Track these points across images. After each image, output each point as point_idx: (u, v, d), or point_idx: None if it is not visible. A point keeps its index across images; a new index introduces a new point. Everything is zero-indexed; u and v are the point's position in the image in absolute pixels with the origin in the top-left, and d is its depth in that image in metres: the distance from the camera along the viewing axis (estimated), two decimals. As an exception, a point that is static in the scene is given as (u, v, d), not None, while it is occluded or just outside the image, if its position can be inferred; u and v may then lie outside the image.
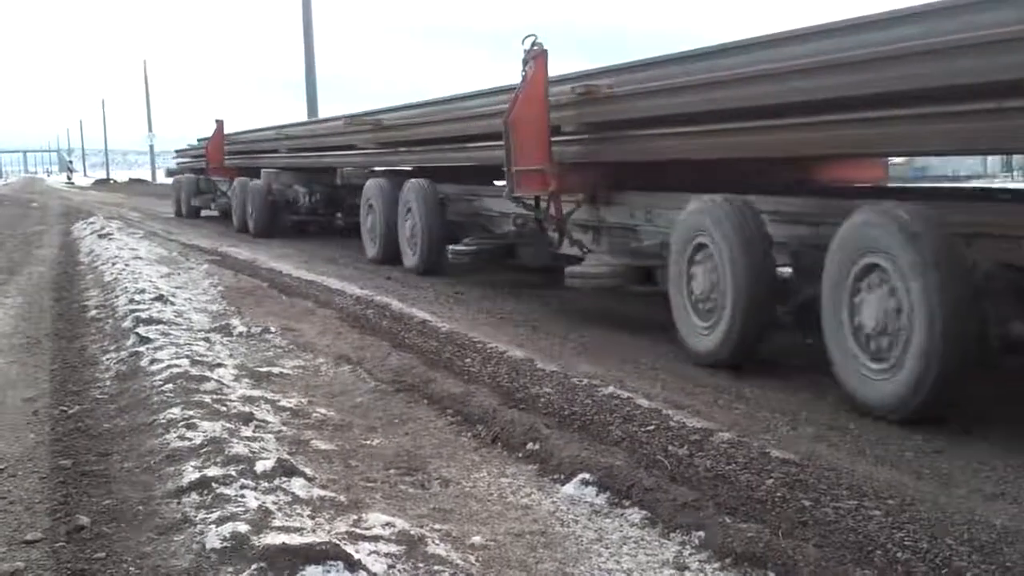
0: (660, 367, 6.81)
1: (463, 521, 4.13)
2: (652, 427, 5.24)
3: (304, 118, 26.71)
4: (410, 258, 12.21)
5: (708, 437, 5.01)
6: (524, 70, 8.58)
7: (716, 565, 3.65)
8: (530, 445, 5.02)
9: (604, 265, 8.35)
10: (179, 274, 12.05)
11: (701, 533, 3.81)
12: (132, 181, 50.55)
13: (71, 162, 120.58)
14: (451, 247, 10.93)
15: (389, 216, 12.71)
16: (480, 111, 10.38)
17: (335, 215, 17.70)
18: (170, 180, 30.59)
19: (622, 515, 4.12)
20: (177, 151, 31.08)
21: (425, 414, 5.79)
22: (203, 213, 25.24)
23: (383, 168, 14.19)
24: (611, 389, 5.99)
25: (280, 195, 18.69)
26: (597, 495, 4.32)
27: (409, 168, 13.41)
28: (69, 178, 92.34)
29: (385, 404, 6.01)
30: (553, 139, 8.68)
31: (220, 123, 22.37)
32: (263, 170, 19.29)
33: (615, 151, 8.41)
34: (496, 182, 10.94)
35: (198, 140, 26.91)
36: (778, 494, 4.25)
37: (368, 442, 5.24)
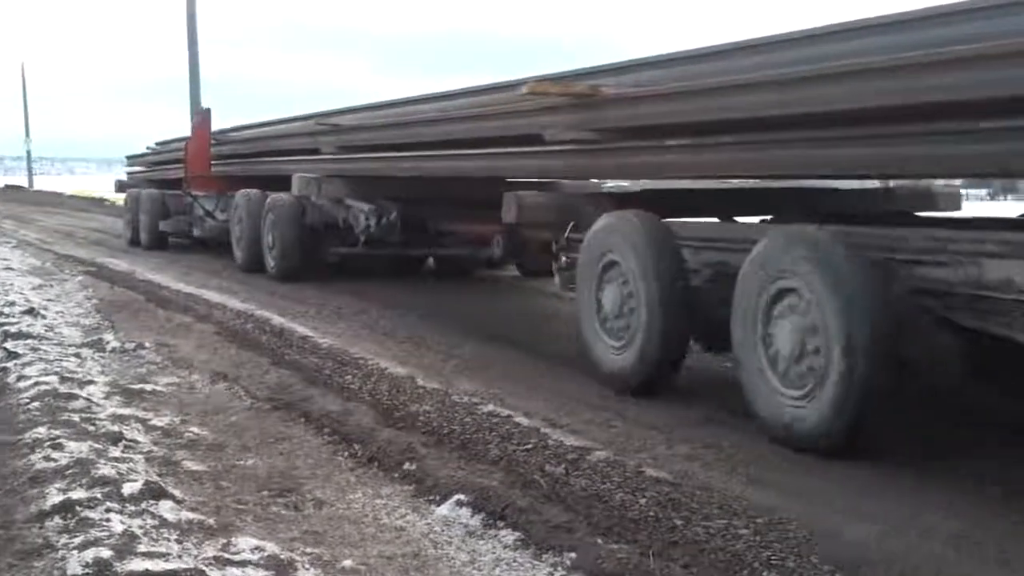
0: (541, 384, 6.84)
1: (335, 544, 4.08)
2: (530, 446, 5.25)
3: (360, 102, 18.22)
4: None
5: (585, 456, 5.04)
6: None
7: (586, 587, 3.66)
8: (407, 465, 4.98)
9: None
10: (52, 286, 11.68)
11: (573, 554, 3.82)
12: (8, 187, 48.88)
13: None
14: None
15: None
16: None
17: (425, 249, 12.62)
18: (120, 195, 22.22)
19: (496, 536, 4.12)
20: (129, 157, 23.43)
21: (302, 433, 5.71)
22: (172, 240, 18.01)
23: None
24: (491, 407, 6.00)
25: (322, 216, 12.46)
26: (472, 516, 4.30)
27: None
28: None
29: (261, 423, 5.91)
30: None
31: (205, 115, 16.71)
32: (297, 178, 12.32)
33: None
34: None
35: (157, 144, 20.66)
36: (651, 513, 4.29)
37: (241, 462, 5.14)
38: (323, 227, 12.50)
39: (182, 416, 5.96)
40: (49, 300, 10.31)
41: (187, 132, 17.25)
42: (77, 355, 7.43)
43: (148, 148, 21.26)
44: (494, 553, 3.98)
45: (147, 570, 3.51)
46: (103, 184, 58.32)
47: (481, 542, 4.10)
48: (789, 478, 4.85)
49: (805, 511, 4.35)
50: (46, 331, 8.25)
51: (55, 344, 7.74)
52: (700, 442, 5.43)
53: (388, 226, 11.45)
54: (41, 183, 57.39)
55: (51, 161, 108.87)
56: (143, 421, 5.71)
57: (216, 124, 16.53)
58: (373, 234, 11.56)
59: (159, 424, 5.70)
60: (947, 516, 4.31)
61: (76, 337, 8.25)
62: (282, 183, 12.94)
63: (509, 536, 4.09)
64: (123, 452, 5.00)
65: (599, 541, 3.91)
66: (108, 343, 7.97)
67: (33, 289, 11.05)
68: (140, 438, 5.36)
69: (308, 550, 3.96)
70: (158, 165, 20.23)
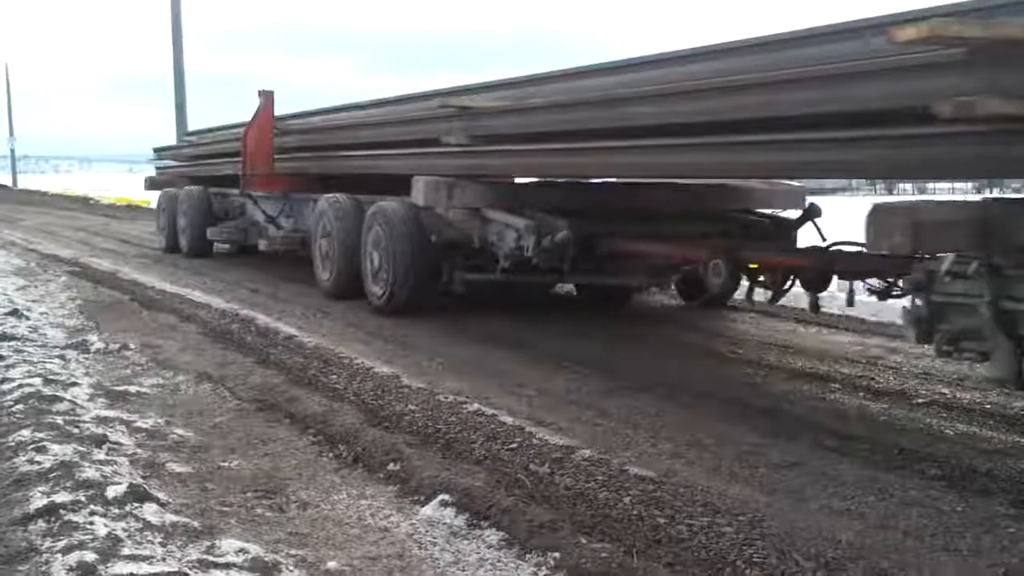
0: (526, 383, 6.85)
1: (319, 546, 4.08)
2: (515, 445, 5.27)
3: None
4: None
5: (569, 455, 5.06)
6: None
7: (570, 586, 3.68)
8: (391, 465, 4.99)
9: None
10: (36, 287, 11.64)
11: (557, 554, 3.83)
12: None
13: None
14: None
15: None
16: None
17: (591, 277, 9.27)
18: (153, 195, 19.58)
19: (480, 537, 4.12)
20: (158, 150, 20.30)
21: (287, 434, 5.71)
22: (216, 247, 15.77)
23: None
24: (476, 406, 6.01)
25: (449, 233, 9.28)
26: (456, 516, 4.31)
27: None
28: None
29: (246, 424, 5.90)
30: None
31: (268, 97, 13.02)
32: (424, 182, 9.02)
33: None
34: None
35: (191, 133, 18.48)
36: (634, 512, 4.31)
37: (226, 464, 5.14)
38: (446, 246, 9.31)
39: (166, 417, 5.96)
40: (33, 301, 10.27)
41: (195, 126, 16.04)
42: (61, 357, 7.41)
43: (184, 139, 18.67)
44: (478, 553, 3.99)
45: (131, 573, 3.52)
46: (86, 182, 58.12)
47: (465, 542, 4.11)
48: (771, 475, 4.88)
49: (786, 507, 4.39)
50: (30, 332, 8.22)
51: (39, 346, 7.72)
52: (684, 441, 5.46)
53: (553, 248, 8.16)
54: (24, 182, 57.07)
55: (34, 159, 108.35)
56: (127, 423, 5.70)
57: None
58: (527, 257, 8.37)
59: (143, 426, 5.69)
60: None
61: (60, 338, 8.22)
62: (376, 185, 10.69)
63: (493, 536, 4.10)
64: (107, 454, 4.99)
65: (583, 540, 3.93)
66: (92, 344, 7.96)
67: (17, 290, 11.00)
68: (124, 440, 5.35)
69: (293, 552, 3.97)
70: (199, 159, 17.24)
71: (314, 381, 6.82)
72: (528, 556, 3.91)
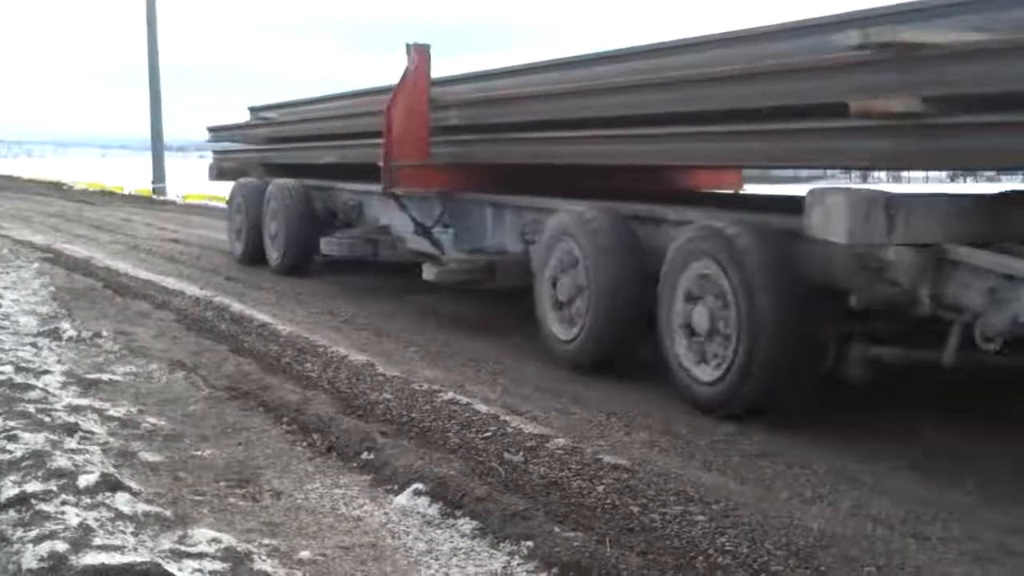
0: (501, 371, 6.87)
1: (292, 535, 4.07)
2: (489, 433, 5.29)
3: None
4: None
5: (544, 443, 5.08)
6: None
7: (542, 575, 3.68)
8: (365, 455, 4.98)
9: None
10: (8, 273, 11.55)
11: (530, 543, 3.83)
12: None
13: None
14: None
15: None
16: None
17: None
18: (219, 185, 16.19)
19: (454, 526, 4.12)
20: (214, 129, 16.16)
21: (260, 423, 5.69)
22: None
23: None
24: (451, 394, 6.03)
25: (877, 287, 5.22)
26: (430, 505, 4.31)
27: None
28: None
29: (219, 412, 5.87)
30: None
31: (422, 53, 9.13)
32: (837, 198, 5.24)
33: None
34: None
35: (259, 110, 14.21)
36: (608, 501, 4.33)
37: (199, 453, 5.11)
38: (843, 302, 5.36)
39: (139, 406, 5.92)
40: (5, 287, 10.18)
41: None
42: (33, 344, 7.35)
43: (258, 116, 14.31)
44: (451, 542, 3.99)
45: (103, 563, 3.49)
46: (60, 168, 57.63)
47: (439, 531, 4.11)
48: (744, 464, 4.91)
49: (758, 496, 4.44)
50: (1, 320, 8.15)
51: (11, 333, 7.65)
52: (659, 429, 5.48)
53: None
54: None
55: (6, 144, 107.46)
56: (100, 411, 5.66)
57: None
58: None
59: (116, 414, 5.65)
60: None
61: (32, 326, 8.16)
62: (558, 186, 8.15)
63: (467, 525, 4.10)
64: (79, 443, 4.96)
65: (556, 529, 3.93)
66: (65, 331, 7.90)
67: (-12, 277, 10.91)
68: (96, 429, 5.32)
69: (265, 541, 3.96)
70: (281, 143, 13.78)
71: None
72: (501, 545, 3.91)
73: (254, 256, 12.54)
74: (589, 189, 8.00)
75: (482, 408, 5.72)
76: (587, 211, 6.99)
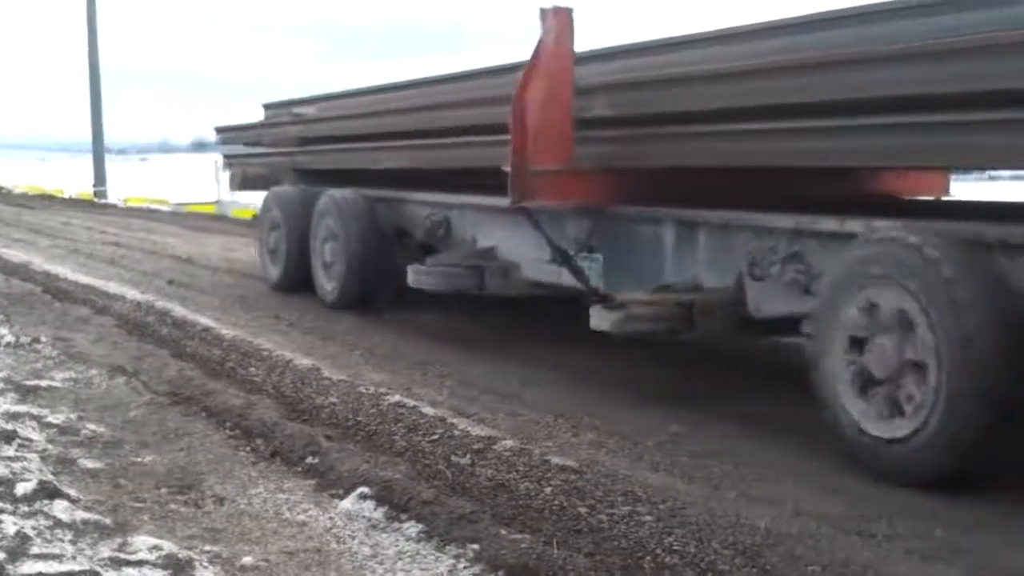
0: (448, 373, 6.82)
1: (235, 541, 4.00)
2: (436, 436, 5.25)
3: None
4: None
5: (491, 445, 5.05)
6: None
7: (488, 578, 3.65)
8: (310, 459, 4.91)
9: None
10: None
11: (476, 546, 3.80)
12: None
13: None
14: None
15: None
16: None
17: None
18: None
19: (399, 529, 4.07)
20: (222, 130, 13.46)
21: (203, 428, 5.60)
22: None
23: None
24: (398, 397, 5.98)
25: None
26: (375, 509, 4.25)
27: None
28: None
29: (160, 418, 5.77)
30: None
31: (562, 21, 6.58)
32: None
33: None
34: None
35: (287, 105, 11.86)
36: (555, 502, 4.31)
37: (139, 459, 5.02)
38: None
39: (78, 412, 5.80)
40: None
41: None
42: (-31, 351, 7.20)
43: (281, 112, 11.89)
44: (397, 546, 3.95)
45: (40, 572, 3.43)
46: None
47: (384, 535, 4.06)
48: (692, 464, 4.92)
49: (705, 495, 4.44)
50: (-64, 326, 7.98)
51: (-54, 340, 7.49)
52: (606, 430, 5.47)
53: None
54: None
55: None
56: (38, 418, 5.54)
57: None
58: None
59: (54, 421, 5.53)
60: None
61: (-32, 332, 7.98)
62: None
63: (412, 528, 4.05)
64: (17, 451, 4.85)
65: (502, 532, 3.90)
66: (2, 337, 7.74)
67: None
68: (35, 436, 5.21)
69: (207, 548, 3.89)
70: (325, 143, 10.83)
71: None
72: (447, 548, 3.87)
73: (295, 282, 10.13)
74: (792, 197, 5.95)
75: (429, 411, 5.68)
76: (927, 241, 4.54)
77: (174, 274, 11.86)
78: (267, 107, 12.59)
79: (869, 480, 4.65)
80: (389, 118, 9.50)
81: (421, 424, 5.44)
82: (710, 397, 6.17)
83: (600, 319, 6.15)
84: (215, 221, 20.20)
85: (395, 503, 4.26)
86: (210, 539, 4.01)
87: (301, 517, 4.29)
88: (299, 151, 11.25)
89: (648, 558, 3.76)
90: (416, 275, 8.18)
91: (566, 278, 7.04)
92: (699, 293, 6.14)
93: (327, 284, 9.54)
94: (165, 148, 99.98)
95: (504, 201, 6.85)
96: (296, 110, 11.46)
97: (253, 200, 15.18)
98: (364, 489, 4.40)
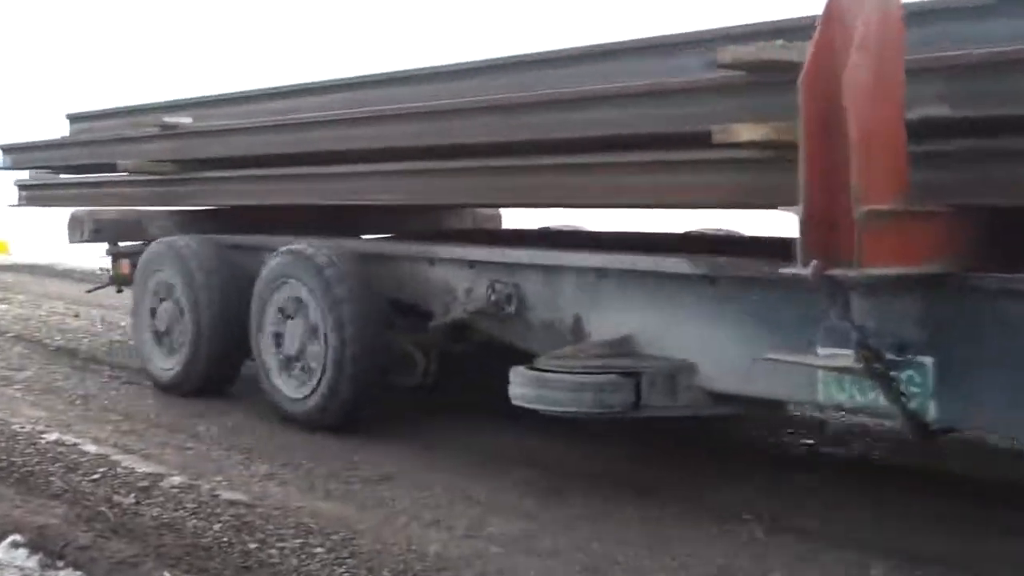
0: (112, 407, 6.53)
1: None
2: (98, 476, 5.03)
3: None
4: None
5: (157, 483, 4.89)
6: None
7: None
8: (-46, 508, 4.57)
9: None
10: None
11: (139, 590, 3.66)
12: None
13: None
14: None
15: None
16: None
17: None
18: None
19: (54, 579, 3.87)
20: (7, 149, 8.83)
21: None
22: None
23: None
24: (56, 435, 5.70)
25: None
26: (28, 557, 4.01)
27: None
28: None
29: None
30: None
31: None
32: None
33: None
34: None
35: (73, 120, 8.90)
36: (224, 539, 4.21)
37: None
38: None
39: None
40: None
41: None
42: None
43: (151, 121, 7.55)
44: (51, 596, 3.74)
45: None
46: None
47: (38, 586, 3.83)
48: (365, 490, 4.93)
49: (378, 523, 4.44)
50: None
51: None
52: (280, 461, 5.40)
53: None
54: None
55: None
56: None
57: None
58: None
59: None
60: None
61: None
62: None
63: (68, 576, 3.86)
64: None
65: (166, 574, 3.77)
66: None
67: None
68: None
69: None
70: (230, 167, 7.09)
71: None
72: (108, 595, 3.70)
73: (207, 381, 6.81)
74: None
75: (91, 448, 5.43)
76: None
77: None
78: (71, 118, 9.06)
79: (534, 499, 4.81)
80: (388, 127, 5.89)
81: (82, 463, 5.25)
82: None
83: None
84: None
85: (50, 550, 4.05)
86: None
87: (-57, 573, 3.98)
88: (178, 179, 7.39)
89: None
90: (524, 385, 4.75)
91: (800, 391, 4.25)
92: None
93: (293, 392, 6.08)
94: None
95: (691, 265, 4.59)
96: (169, 118, 7.41)
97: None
98: (16, 536, 4.17)
